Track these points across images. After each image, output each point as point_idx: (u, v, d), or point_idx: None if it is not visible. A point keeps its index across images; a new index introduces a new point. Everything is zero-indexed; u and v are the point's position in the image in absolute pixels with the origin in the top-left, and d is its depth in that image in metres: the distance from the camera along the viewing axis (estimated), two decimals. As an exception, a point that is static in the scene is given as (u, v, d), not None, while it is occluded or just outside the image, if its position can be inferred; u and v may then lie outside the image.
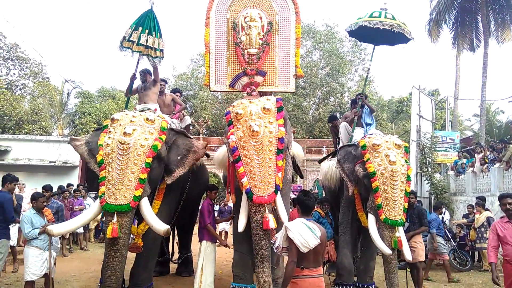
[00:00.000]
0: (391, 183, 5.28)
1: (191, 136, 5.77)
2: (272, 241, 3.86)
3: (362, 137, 6.15)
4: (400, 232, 5.28)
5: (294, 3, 6.28)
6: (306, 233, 3.42)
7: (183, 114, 7.33)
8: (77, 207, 9.76)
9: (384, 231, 5.27)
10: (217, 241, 6.21)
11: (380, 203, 5.29)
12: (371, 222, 5.44)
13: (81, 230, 10.21)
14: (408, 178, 5.49)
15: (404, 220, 5.39)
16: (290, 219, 5.65)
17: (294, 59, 6.27)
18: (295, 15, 6.28)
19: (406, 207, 5.53)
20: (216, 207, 20.21)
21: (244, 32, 6.16)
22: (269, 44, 6.15)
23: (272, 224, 4.61)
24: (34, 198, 5.37)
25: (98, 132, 5.28)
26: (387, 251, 5.13)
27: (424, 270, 7.68)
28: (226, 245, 6.33)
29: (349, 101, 13.86)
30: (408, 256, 5.26)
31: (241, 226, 4.87)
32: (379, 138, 5.72)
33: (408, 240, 6.47)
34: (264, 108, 5.15)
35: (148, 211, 4.65)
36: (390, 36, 7.03)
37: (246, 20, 6.18)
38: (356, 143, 6.33)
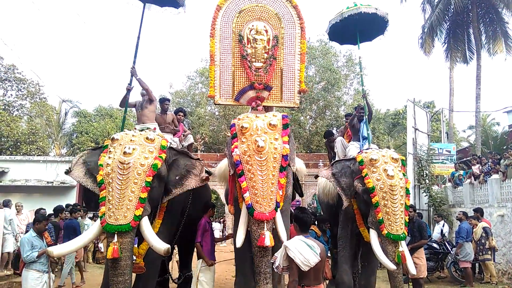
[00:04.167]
0: (391, 198, 5.26)
1: (194, 157, 5.64)
2: (271, 261, 3.83)
3: (359, 152, 6.17)
4: (403, 246, 5.24)
5: (300, 18, 6.27)
6: (306, 251, 3.41)
7: (183, 134, 7.30)
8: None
9: (387, 246, 5.21)
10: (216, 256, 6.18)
11: (381, 218, 5.26)
12: (373, 238, 5.38)
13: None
14: (407, 192, 5.48)
15: (406, 234, 5.36)
16: (291, 234, 5.65)
17: (298, 74, 6.25)
18: (300, 30, 6.27)
19: (407, 220, 5.53)
20: (218, 225, 20.13)
21: (250, 45, 6.09)
22: (276, 58, 6.10)
23: (268, 241, 4.55)
24: (38, 220, 5.35)
25: (95, 151, 5.25)
26: (392, 266, 5.06)
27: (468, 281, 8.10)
28: (211, 264, 6.17)
29: (344, 115, 13.91)
30: (412, 270, 5.19)
31: (239, 242, 4.82)
32: (375, 153, 5.72)
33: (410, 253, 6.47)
34: (270, 124, 5.16)
35: (149, 230, 4.62)
36: (368, 28, 7.04)
37: (252, 32, 6.12)
38: (352, 157, 6.36)
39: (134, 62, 6.29)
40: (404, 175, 5.56)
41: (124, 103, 6.33)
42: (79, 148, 24.47)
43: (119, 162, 4.55)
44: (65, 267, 8.00)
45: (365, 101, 7.09)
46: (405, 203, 5.40)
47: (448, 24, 19.71)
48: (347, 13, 6.65)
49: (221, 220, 23.22)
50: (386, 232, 5.19)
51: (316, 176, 7.77)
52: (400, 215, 5.27)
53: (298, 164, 6.34)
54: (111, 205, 4.41)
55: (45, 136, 22.42)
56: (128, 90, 6.23)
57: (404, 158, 5.92)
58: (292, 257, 3.40)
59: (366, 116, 6.93)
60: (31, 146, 19.81)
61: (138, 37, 6.46)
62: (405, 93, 57.84)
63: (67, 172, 5.19)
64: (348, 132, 7.29)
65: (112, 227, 4.34)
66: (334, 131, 10.81)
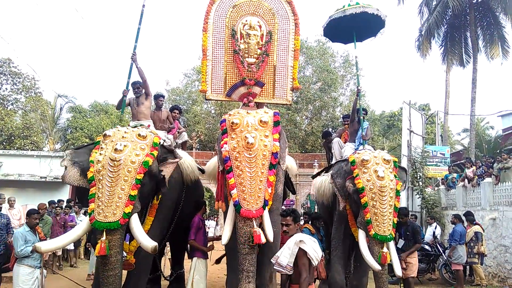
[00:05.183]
0: (380, 199, 5.27)
1: (178, 156, 5.43)
2: (272, 261, 3.71)
3: (352, 153, 6.19)
4: (390, 247, 5.26)
5: (294, 14, 6.21)
6: (316, 246, 3.48)
7: (178, 131, 7.27)
8: (68, 223, 9.64)
9: (374, 246, 5.24)
10: (209, 256, 6.18)
11: (369, 218, 5.28)
12: (361, 238, 5.41)
13: (71, 247, 10.12)
14: (398, 193, 5.48)
15: (394, 235, 5.37)
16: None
17: (292, 71, 6.20)
18: (294, 27, 6.21)
19: (396, 222, 5.51)
20: (213, 223, 20.08)
21: (243, 40, 6.01)
22: (269, 55, 6.03)
23: (264, 238, 4.56)
24: (28, 214, 5.33)
25: (81, 150, 5.13)
26: (377, 266, 5.10)
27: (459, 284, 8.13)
28: (212, 248, 6.20)
29: (341, 116, 13.94)
30: (398, 271, 5.25)
31: (225, 239, 4.81)
32: (367, 154, 5.72)
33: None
34: (261, 120, 5.12)
35: (138, 228, 4.58)
36: (362, 28, 6.98)
37: (245, 28, 6.04)
38: (346, 158, 6.38)
39: (135, 48, 6.12)
40: (395, 176, 5.55)
41: (120, 105, 6.31)
42: (73, 144, 24.39)
43: (110, 159, 4.50)
44: (92, 257, 8.28)
45: (358, 100, 7.07)
46: (395, 204, 5.40)
47: (445, 27, 19.75)
48: (350, 10, 6.54)
49: (215, 218, 23.20)
50: (373, 232, 5.21)
51: (314, 177, 7.75)
52: (389, 216, 5.28)
53: (289, 162, 6.31)
54: (101, 202, 4.38)
55: (39, 131, 22.28)
56: (124, 96, 6.11)
57: (397, 159, 5.92)
58: (307, 251, 3.40)
59: (362, 117, 6.93)
60: (25, 140, 19.69)
61: (140, 22, 6.25)
62: (400, 95, 58.13)
63: (63, 179, 4.97)
64: (346, 134, 7.30)
65: (101, 224, 4.31)
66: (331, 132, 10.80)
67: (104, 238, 4.29)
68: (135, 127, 5.39)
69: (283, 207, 5.90)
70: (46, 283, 5.74)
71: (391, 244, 5.31)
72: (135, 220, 4.59)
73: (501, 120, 21.16)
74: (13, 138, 19.64)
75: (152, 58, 63.94)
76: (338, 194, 5.95)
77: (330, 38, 7.94)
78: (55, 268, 9.17)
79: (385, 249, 5.17)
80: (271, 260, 3.74)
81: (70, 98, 27.55)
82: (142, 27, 6.30)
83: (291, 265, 3.48)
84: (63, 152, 16.52)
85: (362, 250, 5.32)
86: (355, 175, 5.57)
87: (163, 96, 7.31)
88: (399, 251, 6.25)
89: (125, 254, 5.08)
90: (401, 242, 6.73)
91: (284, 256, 3.53)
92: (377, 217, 5.25)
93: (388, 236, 5.21)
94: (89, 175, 4.60)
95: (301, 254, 3.41)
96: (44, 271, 5.48)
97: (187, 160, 6.09)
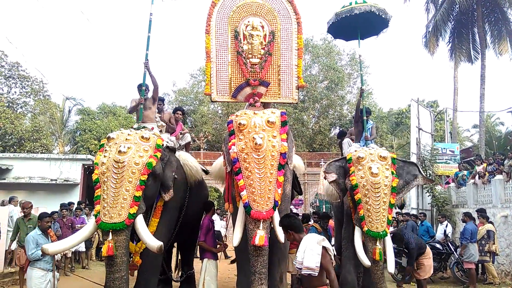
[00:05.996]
0: (373, 195, 5.29)
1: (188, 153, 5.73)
2: (298, 266, 3.51)
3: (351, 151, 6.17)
4: (386, 243, 5.28)
5: (296, 13, 6.24)
6: (328, 243, 3.50)
7: (181, 132, 7.29)
8: (78, 225, 9.70)
9: (368, 243, 5.30)
10: (219, 257, 6.20)
11: (362, 215, 5.31)
12: (356, 235, 5.46)
13: (82, 249, 10.19)
14: (393, 190, 5.44)
15: (387, 232, 5.36)
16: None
17: (296, 69, 6.22)
18: (297, 25, 6.24)
19: (390, 219, 5.48)
20: (224, 223, 20.01)
21: (246, 41, 6.05)
22: (272, 54, 6.06)
23: (257, 240, 4.52)
24: (40, 217, 5.37)
25: None
26: (367, 262, 5.15)
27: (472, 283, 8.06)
28: (221, 250, 6.20)
29: (349, 114, 13.87)
30: (390, 268, 5.24)
31: (236, 241, 4.81)
32: (363, 151, 5.75)
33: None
34: (268, 121, 5.12)
35: (143, 228, 4.62)
36: (369, 23, 6.94)
37: (248, 28, 6.08)
38: (340, 158, 6.39)
39: (146, 56, 6.17)
40: (393, 173, 5.54)
41: (133, 110, 6.32)
42: (82, 146, 24.55)
43: (114, 161, 4.57)
44: None
45: (362, 100, 7.03)
46: (390, 201, 5.40)
47: (452, 23, 19.60)
48: (357, 8, 6.49)
49: (224, 218, 23.21)
50: (366, 229, 5.24)
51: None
52: (382, 213, 5.28)
53: (296, 161, 6.31)
54: (106, 204, 4.45)
55: (48, 134, 22.42)
56: (141, 103, 6.08)
57: (395, 156, 5.89)
58: (328, 248, 3.45)
59: (365, 117, 6.90)
60: (34, 143, 19.81)
61: (149, 30, 6.29)
62: (408, 92, 57.73)
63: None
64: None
65: (107, 225, 4.37)
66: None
67: (110, 238, 4.35)
68: (138, 129, 5.45)
69: (292, 206, 5.90)
70: (58, 286, 5.77)
71: (388, 239, 5.34)
72: (140, 220, 4.63)
73: (511, 116, 20.95)
74: (23, 141, 19.79)
75: (158, 59, 64.16)
76: (342, 194, 5.97)
77: (332, 34, 7.90)
78: (66, 270, 9.24)
79: (379, 245, 5.19)
80: (296, 266, 3.60)
81: (78, 100, 27.77)
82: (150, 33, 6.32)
83: (319, 265, 3.37)
84: (73, 155, 16.70)
85: (355, 245, 5.38)
86: (351, 172, 5.62)
87: (163, 100, 7.37)
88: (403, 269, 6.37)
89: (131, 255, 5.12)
90: (404, 260, 6.81)
91: (310, 258, 3.38)
92: (370, 214, 5.28)
93: (381, 233, 5.23)
94: (94, 177, 4.67)
95: (324, 252, 3.38)
96: (57, 273, 5.51)
97: (190, 161, 6.12)
